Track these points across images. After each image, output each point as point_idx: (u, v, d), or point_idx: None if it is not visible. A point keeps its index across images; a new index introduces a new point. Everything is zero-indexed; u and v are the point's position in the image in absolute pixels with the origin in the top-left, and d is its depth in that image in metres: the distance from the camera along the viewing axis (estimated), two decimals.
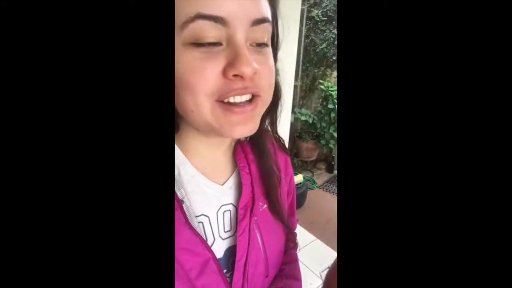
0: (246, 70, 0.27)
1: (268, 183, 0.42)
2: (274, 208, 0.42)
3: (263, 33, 0.30)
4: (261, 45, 0.30)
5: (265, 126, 0.43)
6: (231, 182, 0.41)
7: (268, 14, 0.30)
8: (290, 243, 0.51)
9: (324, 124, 2.78)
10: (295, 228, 0.53)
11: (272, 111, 0.42)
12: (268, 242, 0.42)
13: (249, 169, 0.41)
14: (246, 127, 0.31)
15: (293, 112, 2.73)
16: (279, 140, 0.48)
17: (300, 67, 2.72)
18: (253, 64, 0.27)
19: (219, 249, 0.38)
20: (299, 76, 2.75)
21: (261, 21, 0.29)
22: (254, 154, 0.42)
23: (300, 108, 2.96)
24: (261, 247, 0.40)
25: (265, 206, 0.42)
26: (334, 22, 2.68)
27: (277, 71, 0.36)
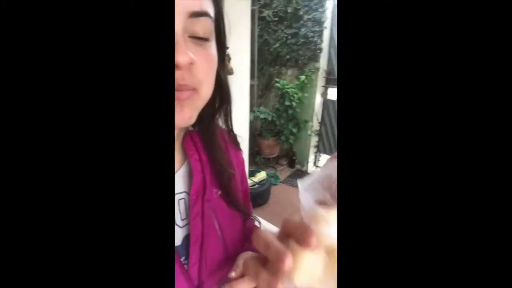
0: (180, 59, 0.27)
1: (220, 171, 0.43)
2: (228, 194, 0.43)
3: (202, 27, 0.30)
4: (201, 39, 0.30)
5: (216, 121, 0.43)
6: (183, 171, 0.41)
7: (208, 8, 0.30)
8: (252, 227, 0.52)
9: (282, 121, 2.87)
10: (251, 213, 0.55)
11: (222, 107, 0.42)
12: (226, 226, 0.43)
13: (199, 156, 0.42)
14: (182, 115, 0.31)
15: (252, 111, 2.77)
16: (233, 136, 0.49)
17: (256, 67, 2.76)
18: (188, 54, 0.28)
19: (177, 237, 0.38)
20: (255, 75, 2.79)
21: (199, 14, 0.29)
22: (204, 144, 0.43)
23: (259, 106, 3.01)
24: (218, 231, 0.41)
25: (220, 192, 0.43)
26: (285, 22, 2.77)
27: (230, 70, 0.36)
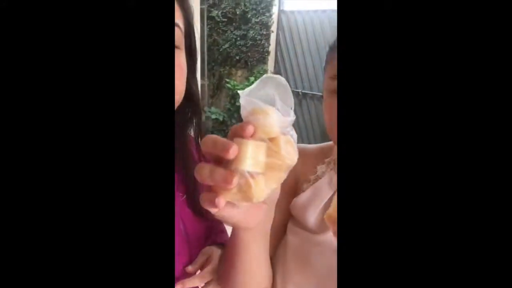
0: None
1: (186, 173, 0.44)
2: (191, 198, 0.44)
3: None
4: None
5: (188, 130, 0.44)
6: None
7: (178, 19, 0.32)
8: (217, 229, 0.53)
9: (234, 121, 2.90)
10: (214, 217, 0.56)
11: (193, 118, 0.43)
12: (191, 229, 0.44)
13: None
14: None
15: (203, 111, 2.73)
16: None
17: (206, 66, 2.74)
18: None
19: None
20: (205, 75, 2.76)
21: None
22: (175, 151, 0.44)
23: (210, 107, 2.99)
24: (182, 234, 0.42)
25: (184, 196, 0.44)
26: (234, 24, 2.81)
27: (196, 79, 0.38)
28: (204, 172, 0.23)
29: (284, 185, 0.27)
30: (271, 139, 0.25)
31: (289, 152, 0.25)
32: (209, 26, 2.81)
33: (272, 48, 2.77)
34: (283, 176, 0.26)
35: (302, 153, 0.27)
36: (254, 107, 0.24)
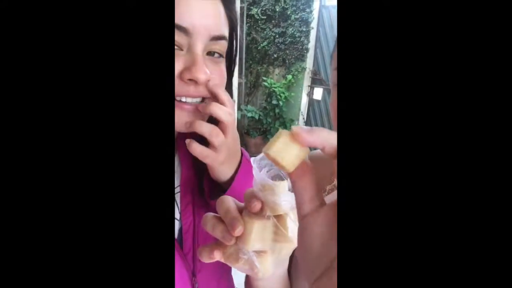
0: (200, 77, 0.31)
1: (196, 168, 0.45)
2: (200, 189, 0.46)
3: (220, 47, 0.35)
4: (216, 55, 0.35)
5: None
6: (175, 166, 0.43)
7: (226, 32, 0.35)
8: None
9: (269, 120, 2.89)
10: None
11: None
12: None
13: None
14: (183, 123, 0.34)
15: (239, 109, 2.77)
16: None
17: (244, 65, 2.76)
18: (207, 72, 0.32)
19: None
20: (243, 73, 2.79)
21: (219, 38, 0.34)
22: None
23: (246, 105, 3.01)
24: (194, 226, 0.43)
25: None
26: (273, 21, 2.79)
27: (231, 83, 0.39)
28: (208, 225, 0.27)
29: None
30: (278, 217, 0.25)
31: (295, 230, 0.24)
32: (248, 24, 2.83)
33: (311, 45, 2.69)
34: (290, 251, 0.26)
35: (319, 160, 0.27)
36: (264, 183, 0.25)
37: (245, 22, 2.65)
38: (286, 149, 0.19)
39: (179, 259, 0.38)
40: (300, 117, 2.90)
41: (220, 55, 0.36)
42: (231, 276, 0.50)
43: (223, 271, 0.47)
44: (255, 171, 0.25)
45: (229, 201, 0.26)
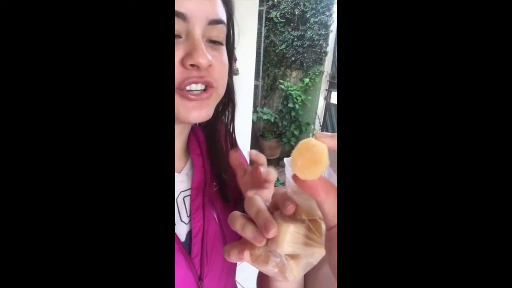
0: (202, 61, 0.31)
1: (217, 165, 0.45)
2: (224, 188, 0.45)
3: (218, 33, 0.34)
4: (215, 42, 0.34)
5: (221, 121, 0.46)
6: (187, 169, 0.43)
7: (223, 17, 0.34)
8: None
9: (285, 123, 2.88)
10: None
11: (227, 107, 0.44)
12: (224, 218, 0.44)
13: (200, 151, 0.44)
14: (201, 112, 0.34)
15: (255, 111, 2.78)
16: (233, 137, 0.51)
17: (261, 67, 2.77)
18: (208, 57, 0.31)
19: (181, 233, 0.40)
20: (260, 76, 2.80)
21: (217, 22, 0.33)
22: (206, 139, 0.46)
23: (262, 107, 3.02)
24: (217, 223, 0.43)
25: (217, 186, 0.45)
26: (292, 24, 2.78)
27: (236, 70, 0.38)
28: (236, 224, 0.25)
29: None
30: (312, 221, 0.24)
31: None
32: (267, 27, 2.84)
33: (330, 48, 2.66)
34: (320, 256, 0.25)
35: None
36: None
37: (263, 25, 2.66)
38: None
39: (185, 263, 0.38)
40: (317, 121, 2.86)
41: (220, 43, 0.35)
42: (235, 280, 0.50)
43: (229, 275, 0.46)
44: (287, 171, 0.24)
45: (259, 201, 0.26)
